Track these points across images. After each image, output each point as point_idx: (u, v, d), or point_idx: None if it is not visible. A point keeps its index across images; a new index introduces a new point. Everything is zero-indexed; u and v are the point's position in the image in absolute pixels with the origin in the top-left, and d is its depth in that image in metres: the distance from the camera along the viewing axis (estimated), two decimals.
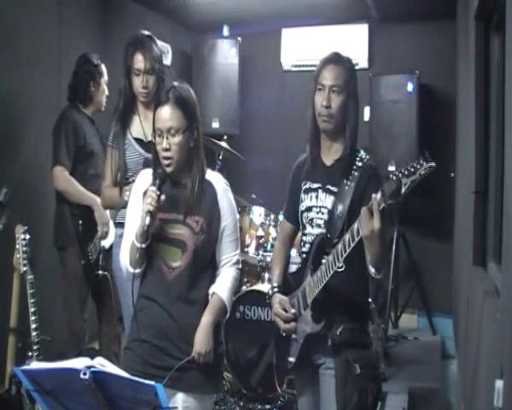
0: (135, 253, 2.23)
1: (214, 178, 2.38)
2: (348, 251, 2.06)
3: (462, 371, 3.55)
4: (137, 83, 2.96)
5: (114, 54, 4.34)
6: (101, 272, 3.54)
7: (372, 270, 2.07)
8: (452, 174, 4.55)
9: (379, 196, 1.93)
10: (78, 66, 3.63)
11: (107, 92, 3.71)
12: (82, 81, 3.58)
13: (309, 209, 2.36)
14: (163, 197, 2.23)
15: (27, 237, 2.79)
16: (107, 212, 3.56)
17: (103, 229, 3.53)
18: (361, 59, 5.39)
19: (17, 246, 2.78)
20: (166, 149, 2.24)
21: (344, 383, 2.21)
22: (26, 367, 1.75)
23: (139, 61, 2.94)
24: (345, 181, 2.26)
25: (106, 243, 3.59)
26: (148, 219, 2.17)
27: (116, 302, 3.66)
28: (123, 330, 3.45)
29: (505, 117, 2.15)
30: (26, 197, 3.76)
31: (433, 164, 1.86)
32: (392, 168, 4.83)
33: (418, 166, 1.87)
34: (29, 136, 3.85)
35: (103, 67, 3.69)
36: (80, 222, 3.49)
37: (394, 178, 1.90)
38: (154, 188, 2.23)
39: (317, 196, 2.34)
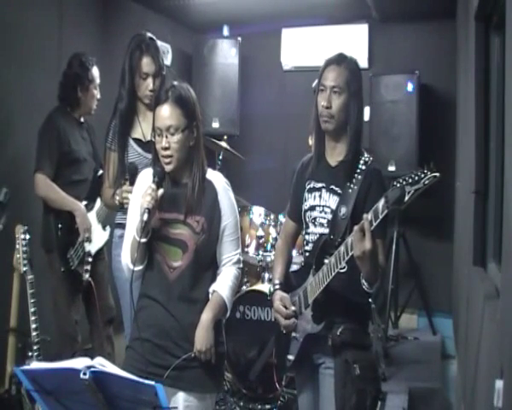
0: (135, 249, 2.23)
1: (215, 177, 2.39)
2: (350, 254, 2.06)
3: (462, 371, 3.55)
4: (144, 86, 2.93)
5: (114, 54, 4.35)
6: (85, 277, 3.47)
7: (365, 284, 2.11)
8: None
9: (381, 203, 1.93)
10: (69, 66, 3.57)
11: (98, 96, 3.64)
12: (70, 85, 3.53)
13: (312, 208, 2.36)
14: (161, 191, 2.23)
15: (27, 237, 2.78)
16: (93, 215, 3.55)
17: (84, 235, 3.47)
18: (361, 59, 5.38)
19: (17, 246, 2.78)
20: (166, 148, 2.24)
21: (343, 384, 2.21)
22: (26, 367, 1.75)
23: (147, 65, 2.91)
24: (348, 184, 2.26)
25: (92, 248, 3.55)
26: (145, 216, 2.18)
27: (106, 304, 3.65)
28: (122, 330, 3.44)
29: (505, 117, 2.15)
30: (26, 197, 3.75)
31: (437, 174, 1.85)
32: (392, 168, 4.84)
33: (422, 176, 1.87)
34: (29, 135, 3.83)
35: (95, 71, 3.61)
36: (60, 226, 3.45)
37: (398, 185, 1.90)
38: (152, 185, 2.24)
39: (320, 196, 2.34)
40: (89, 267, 3.51)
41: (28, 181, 3.65)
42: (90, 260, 3.51)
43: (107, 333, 3.71)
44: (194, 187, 2.29)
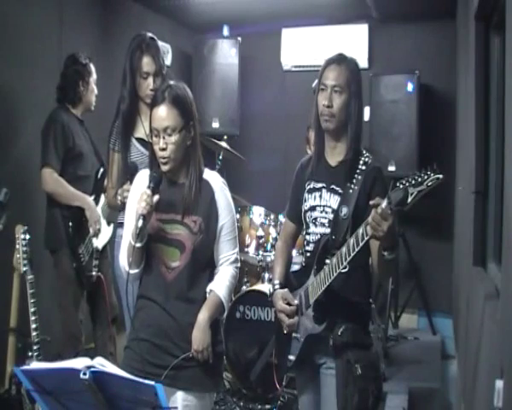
0: (131, 253, 2.23)
1: (211, 177, 2.38)
2: (352, 255, 2.06)
3: (462, 371, 3.55)
4: (145, 85, 2.94)
5: (114, 54, 4.36)
6: (94, 273, 3.51)
7: (386, 253, 2.05)
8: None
9: (385, 203, 1.92)
10: (66, 66, 3.61)
11: (96, 91, 3.69)
12: (71, 81, 3.56)
13: (313, 209, 2.36)
14: (156, 198, 2.22)
15: (27, 237, 2.79)
16: (99, 210, 3.57)
17: (95, 227, 3.51)
18: (361, 59, 5.38)
19: (17, 246, 2.78)
20: (163, 149, 2.24)
21: (345, 384, 2.21)
22: (26, 367, 1.75)
23: (148, 65, 2.92)
24: (348, 184, 2.26)
25: (99, 244, 3.57)
26: (140, 222, 2.17)
27: (110, 303, 3.66)
28: (123, 330, 3.45)
29: (505, 117, 2.15)
30: (26, 197, 3.76)
31: (441, 176, 1.83)
32: (392, 168, 4.84)
33: (425, 177, 1.84)
34: (29, 135, 3.85)
35: (92, 66, 3.66)
36: (71, 224, 3.46)
37: (401, 186, 1.88)
38: (147, 191, 2.22)
39: (320, 196, 2.34)
40: (97, 262, 3.53)
41: (28, 181, 3.66)
42: (97, 256, 3.54)
43: (109, 332, 3.72)
44: (191, 187, 2.29)
